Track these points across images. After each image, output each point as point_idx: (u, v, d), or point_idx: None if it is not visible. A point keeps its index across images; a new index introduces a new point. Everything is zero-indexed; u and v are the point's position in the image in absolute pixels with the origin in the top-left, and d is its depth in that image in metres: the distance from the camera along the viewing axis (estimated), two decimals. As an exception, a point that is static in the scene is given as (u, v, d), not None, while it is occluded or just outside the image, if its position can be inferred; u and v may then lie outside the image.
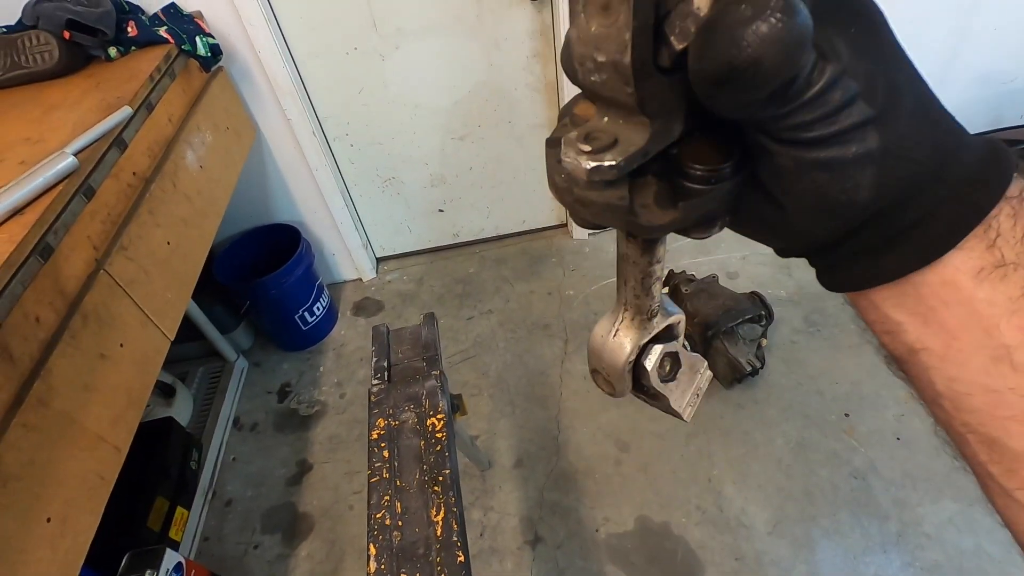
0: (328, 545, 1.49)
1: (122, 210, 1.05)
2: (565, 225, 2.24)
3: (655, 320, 0.28)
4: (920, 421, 1.48)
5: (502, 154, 2.01)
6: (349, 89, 1.78)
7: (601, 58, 0.18)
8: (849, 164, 0.18)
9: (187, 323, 1.72)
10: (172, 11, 1.40)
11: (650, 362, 0.28)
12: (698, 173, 0.19)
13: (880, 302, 0.22)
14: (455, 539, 0.66)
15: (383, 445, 0.78)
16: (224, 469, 1.69)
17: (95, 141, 0.99)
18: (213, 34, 1.44)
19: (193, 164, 1.29)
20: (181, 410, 1.72)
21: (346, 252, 2.11)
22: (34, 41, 1.21)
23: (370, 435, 0.80)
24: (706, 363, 0.31)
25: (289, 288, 1.81)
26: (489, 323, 1.95)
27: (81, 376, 0.86)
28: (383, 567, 0.65)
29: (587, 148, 0.19)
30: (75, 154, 0.93)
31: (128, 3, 1.39)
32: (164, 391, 1.72)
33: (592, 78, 0.18)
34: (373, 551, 0.67)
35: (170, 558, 1.25)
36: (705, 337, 1.57)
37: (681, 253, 2.00)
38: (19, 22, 1.28)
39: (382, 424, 0.80)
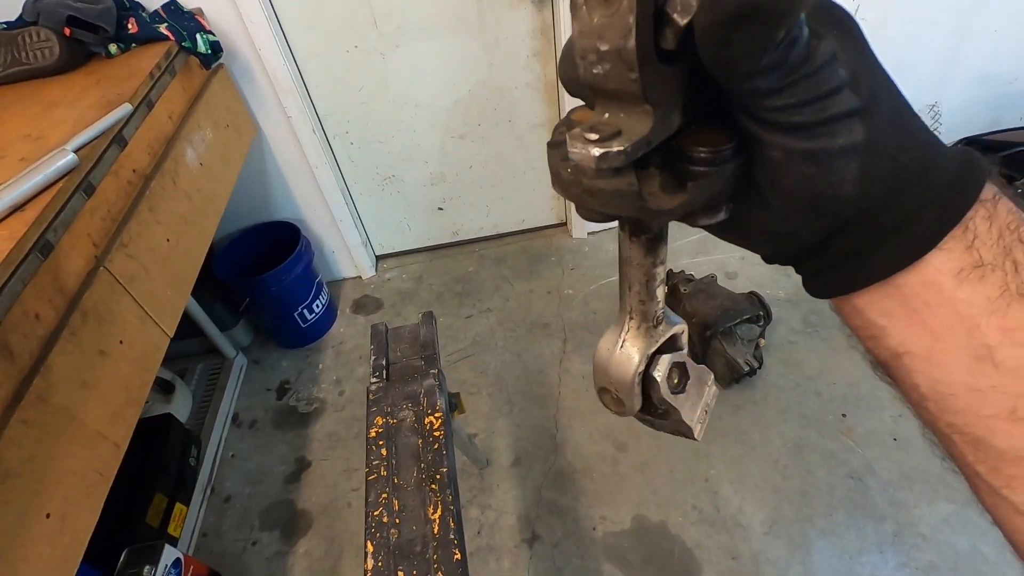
0: (326, 542, 1.49)
1: (122, 207, 1.06)
2: (564, 224, 2.24)
3: (660, 328, 0.27)
4: (916, 422, 1.49)
5: (502, 153, 2.01)
6: (349, 87, 1.79)
7: (604, 47, 0.18)
8: (835, 155, 0.19)
9: (187, 320, 1.73)
10: (173, 8, 1.40)
11: (659, 373, 0.27)
12: (702, 155, 0.20)
13: (864, 307, 0.23)
14: (452, 537, 0.67)
15: (381, 443, 0.78)
16: (223, 466, 1.70)
17: (95, 138, 0.99)
18: (213, 31, 1.45)
19: (193, 161, 1.29)
20: (180, 407, 1.73)
21: (346, 250, 2.11)
22: (34, 37, 1.22)
23: (368, 433, 0.80)
24: (713, 376, 0.31)
25: (289, 285, 1.81)
26: (488, 322, 1.96)
27: (80, 373, 0.87)
28: (380, 564, 0.65)
29: (594, 137, 0.19)
30: (75, 151, 0.93)
31: (129, 0, 1.39)
32: (163, 388, 1.72)
33: (595, 70, 0.19)
34: (371, 548, 0.67)
35: (169, 554, 1.25)
36: (703, 337, 1.58)
37: (680, 253, 2.00)
38: (19, 18, 1.28)
39: (380, 422, 0.81)
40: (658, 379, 0.27)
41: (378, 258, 2.27)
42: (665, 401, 0.27)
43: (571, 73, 0.21)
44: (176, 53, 1.34)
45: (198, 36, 1.37)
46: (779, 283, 1.88)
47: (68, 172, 0.92)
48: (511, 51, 1.77)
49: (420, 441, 0.78)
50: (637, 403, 0.27)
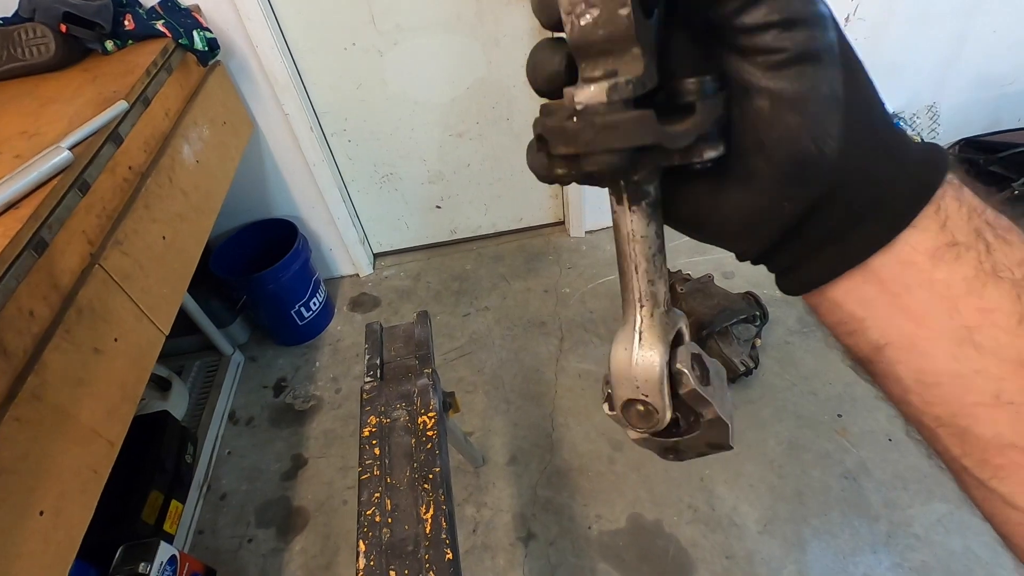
0: (322, 540, 1.49)
1: (117, 205, 1.05)
2: (562, 223, 2.24)
3: (670, 314, 0.25)
4: (912, 423, 1.49)
5: (500, 151, 2.01)
6: (347, 85, 1.78)
7: None
8: (820, 103, 0.19)
9: (183, 317, 1.73)
10: (169, 5, 1.40)
11: (683, 364, 0.24)
12: (690, 86, 0.20)
13: (842, 298, 0.23)
14: (444, 536, 0.67)
15: (374, 443, 0.78)
16: (219, 463, 1.70)
17: (91, 135, 0.99)
18: (211, 28, 1.44)
19: (189, 159, 1.29)
20: (177, 404, 1.73)
21: (343, 247, 2.11)
22: (30, 34, 1.21)
23: (361, 432, 0.80)
24: (724, 370, 0.28)
25: (286, 283, 1.81)
26: (485, 320, 1.96)
27: (75, 370, 0.87)
28: (372, 563, 0.65)
29: (598, 74, 0.20)
30: (70, 148, 0.93)
31: (126, -4, 1.39)
32: (160, 385, 1.72)
33: (583, 20, 0.19)
34: (363, 547, 0.67)
35: (164, 551, 1.26)
36: (700, 337, 1.58)
37: (678, 252, 2.00)
38: (15, 14, 1.28)
39: (374, 422, 0.81)
40: (685, 370, 0.24)
41: (376, 256, 2.27)
42: (698, 396, 0.24)
43: (545, 67, 0.21)
44: (173, 50, 1.33)
45: (195, 33, 1.37)
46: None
47: (63, 169, 0.91)
48: (510, 49, 1.76)
49: (413, 441, 0.78)
50: (669, 407, 0.24)
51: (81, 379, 0.88)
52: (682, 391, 0.24)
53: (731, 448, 0.26)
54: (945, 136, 2.08)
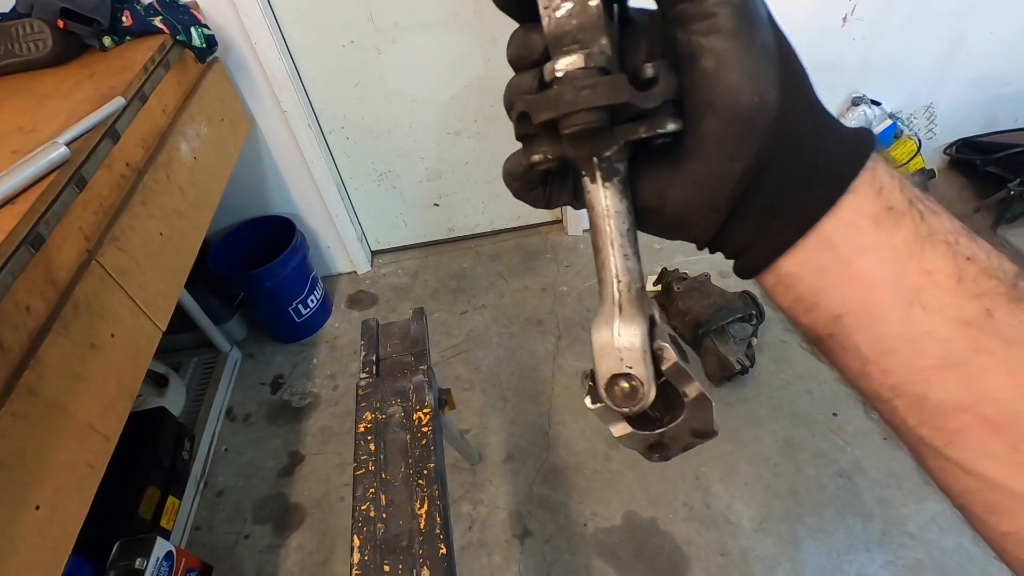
0: (319, 536, 1.50)
1: (114, 201, 1.06)
2: (560, 221, 2.25)
3: (645, 291, 0.26)
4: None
5: (498, 149, 2.01)
6: (345, 82, 1.78)
7: None
8: (756, 58, 0.21)
9: (181, 313, 1.73)
10: (167, 1, 1.40)
11: (664, 340, 0.25)
12: (650, 67, 0.23)
13: (799, 269, 0.23)
14: (438, 532, 0.67)
15: (369, 438, 0.79)
16: (216, 459, 1.70)
17: (88, 131, 0.99)
18: (209, 25, 1.44)
19: (187, 155, 1.29)
20: (174, 400, 1.73)
21: (341, 245, 2.11)
22: (28, 29, 1.21)
23: (357, 428, 0.81)
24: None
25: (283, 280, 1.81)
26: (483, 318, 1.96)
27: (71, 366, 0.87)
28: (366, 558, 0.66)
29: (573, 47, 0.22)
30: (67, 144, 0.93)
31: (123, -8, 1.39)
32: (157, 381, 1.73)
33: (559, 12, 0.22)
34: (357, 543, 0.68)
35: (161, 547, 1.26)
36: (696, 335, 1.58)
37: (675, 251, 2.01)
38: (13, 10, 1.28)
39: (369, 417, 0.81)
40: (666, 344, 0.24)
41: (374, 253, 2.27)
42: (680, 370, 0.24)
43: (521, 51, 0.25)
44: (171, 47, 1.33)
45: (193, 29, 1.37)
46: (773, 282, 1.88)
47: (60, 165, 0.92)
48: (508, 47, 1.76)
49: (408, 437, 0.78)
50: (653, 382, 0.24)
51: (77, 375, 0.88)
52: (664, 367, 0.25)
53: (716, 434, 0.26)
54: (942, 136, 2.08)
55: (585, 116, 0.22)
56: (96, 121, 1.01)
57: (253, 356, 1.98)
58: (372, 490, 0.72)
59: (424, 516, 0.69)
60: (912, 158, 1.95)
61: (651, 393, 0.24)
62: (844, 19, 1.77)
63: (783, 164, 0.22)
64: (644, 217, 0.26)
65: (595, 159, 0.24)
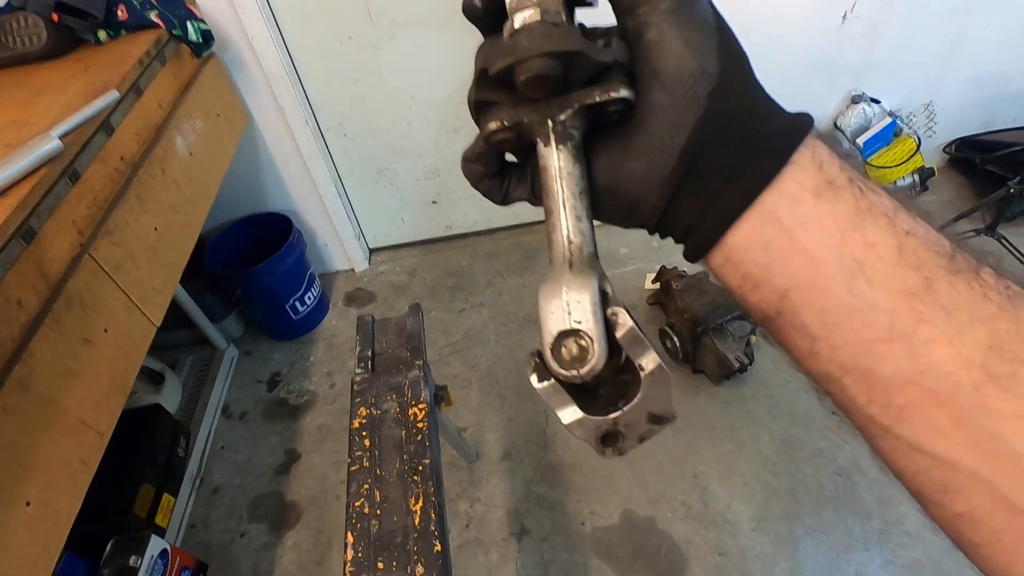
0: (315, 534, 1.49)
1: (108, 195, 1.05)
2: (559, 219, 2.24)
3: (598, 258, 0.25)
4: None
5: (496, 147, 2.00)
6: (343, 79, 1.77)
7: None
8: (697, 28, 0.23)
9: (177, 311, 1.72)
10: (164, -5, 1.39)
11: (618, 306, 0.23)
12: (602, 40, 0.24)
13: (745, 244, 0.24)
14: (433, 528, 0.66)
15: (364, 434, 0.78)
16: (212, 457, 1.69)
17: (81, 125, 0.98)
18: (205, 20, 1.43)
19: (183, 150, 1.28)
20: (170, 397, 1.72)
21: (338, 242, 2.11)
22: (22, 23, 1.20)
23: (351, 424, 0.80)
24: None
25: (281, 277, 1.80)
26: (480, 316, 1.95)
27: (63, 360, 0.86)
28: (360, 555, 0.65)
29: (536, 6, 0.24)
30: (60, 137, 0.92)
31: (119, -14, 1.38)
32: (153, 378, 1.72)
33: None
34: (351, 539, 0.67)
35: (155, 544, 1.25)
36: (695, 333, 1.58)
37: (674, 249, 1.99)
38: (7, 3, 1.27)
39: (364, 413, 0.80)
40: (621, 308, 0.23)
41: (371, 251, 2.26)
42: (636, 337, 0.22)
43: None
44: (166, 41, 1.32)
45: (189, 24, 1.36)
46: (772, 281, 1.88)
47: (52, 158, 0.91)
48: (506, 44, 1.75)
49: (404, 432, 0.77)
50: (604, 341, 0.22)
51: (70, 369, 0.87)
52: (620, 333, 0.22)
53: (675, 417, 0.24)
54: (942, 135, 2.08)
55: (540, 62, 0.22)
56: (90, 114, 1.00)
57: (250, 353, 1.97)
58: (366, 486, 0.72)
59: (419, 513, 0.68)
60: (911, 156, 1.95)
61: (602, 355, 0.22)
62: (844, 16, 1.76)
63: (726, 135, 0.23)
64: (600, 200, 0.26)
65: (550, 122, 0.24)
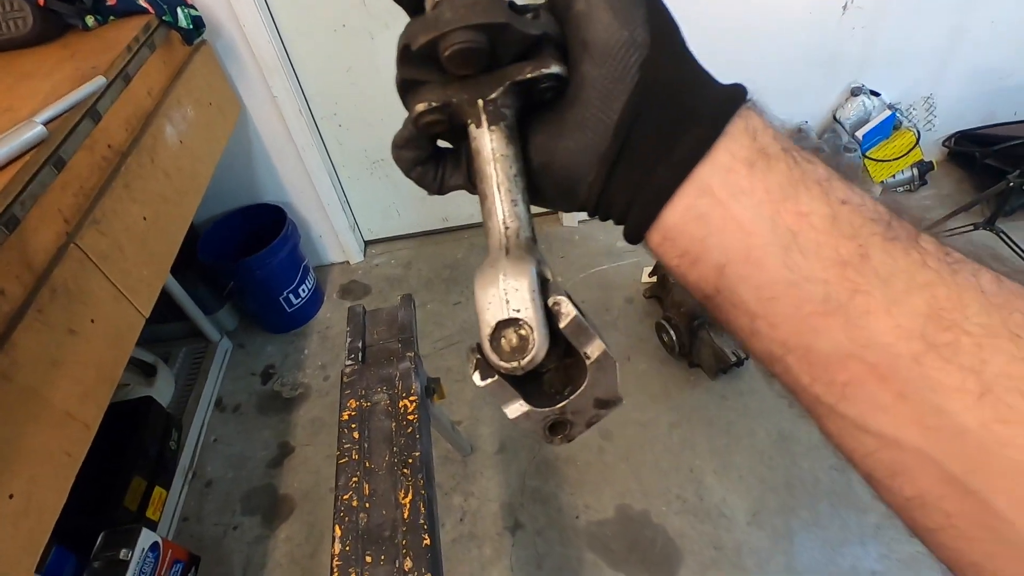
0: (307, 528, 1.48)
1: (96, 183, 1.03)
2: (555, 212, 2.22)
3: (536, 242, 0.24)
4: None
5: (493, 138, 1.98)
6: (337, 68, 1.75)
7: None
8: (625, 2, 0.23)
9: (170, 303, 1.70)
10: (153, -19, 1.36)
11: (560, 294, 0.22)
12: (529, 13, 0.23)
13: (681, 219, 0.23)
14: (422, 522, 0.65)
15: (353, 426, 0.76)
16: (205, 450, 1.68)
17: (66, 111, 0.97)
18: (196, 6, 1.41)
19: (173, 139, 1.26)
20: (162, 390, 1.71)
21: (333, 234, 2.09)
22: (7, 7, 1.18)
23: (340, 416, 0.79)
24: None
25: (274, 269, 1.79)
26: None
27: (48, 351, 0.84)
28: (348, 549, 0.64)
29: None
30: (45, 124, 0.90)
31: (108, -29, 1.35)
32: (145, 370, 1.70)
33: None
34: (339, 532, 0.66)
35: (146, 537, 1.24)
36: (691, 327, 1.57)
37: (671, 243, 1.99)
38: (-7, -12, 1.24)
39: (353, 405, 0.79)
40: (563, 297, 0.22)
41: (366, 243, 2.24)
42: (580, 325, 0.21)
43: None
44: (156, 27, 1.30)
45: (179, 10, 1.34)
46: (769, 274, 1.87)
47: (36, 145, 0.89)
48: (503, 34, 1.73)
49: (393, 425, 0.76)
50: (544, 329, 0.21)
51: (55, 360, 0.86)
52: (563, 324, 0.21)
53: (621, 400, 0.23)
54: (942, 128, 2.06)
55: (465, 34, 0.21)
56: (75, 101, 0.98)
57: (243, 346, 1.96)
58: (355, 479, 0.70)
59: (408, 506, 0.67)
60: (911, 150, 1.93)
61: (543, 343, 0.21)
62: (844, 8, 1.75)
63: (659, 108, 0.23)
64: (537, 180, 0.25)
65: (480, 102, 0.23)
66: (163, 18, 1.31)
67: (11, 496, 0.76)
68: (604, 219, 0.26)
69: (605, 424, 1.57)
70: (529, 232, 0.24)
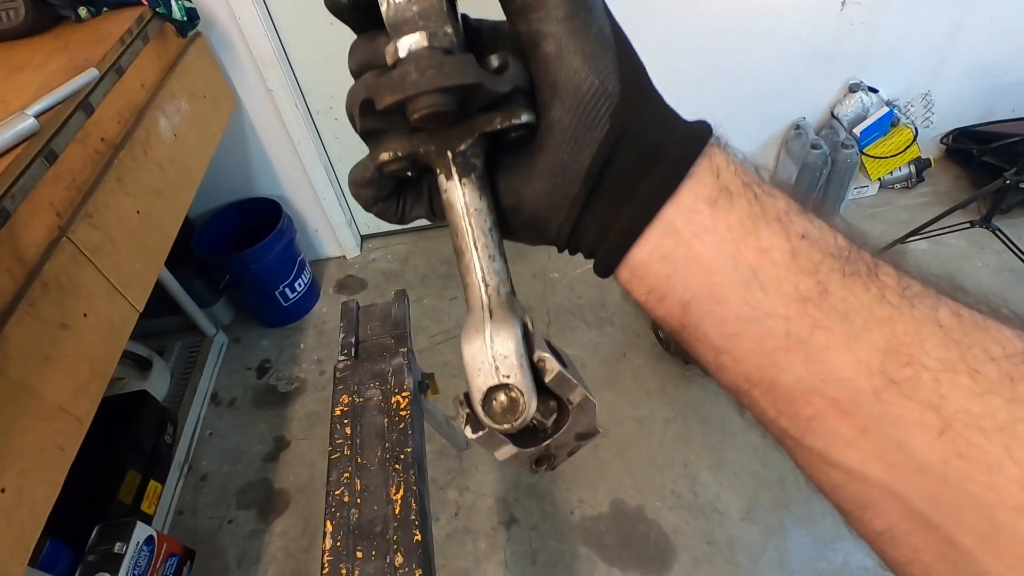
0: (303, 522, 1.48)
1: (88, 176, 1.02)
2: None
3: (516, 298, 0.24)
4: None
5: (490, 133, 1.97)
6: (333, 61, 1.74)
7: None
8: (594, 42, 0.22)
9: (165, 297, 1.70)
10: (147, -28, 1.35)
11: (543, 351, 0.23)
12: (496, 58, 0.23)
13: (648, 258, 0.23)
14: (414, 518, 0.65)
15: (346, 422, 0.76)
16: (200, 444, 1.68)
17: (58, 103, 0.96)
18: (190, -2, 1.40)
19: (167, 132, 1.26)
20: (157, 384, 1.70)
21: (329, 229, 2.08)
22: (-1, -2, 1.17)
23: (333, 411, 0.78)
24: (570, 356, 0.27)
25: (270, 263, 1.78)
26: (472, 304, 1.94)
27: (40, 345, 0.84)
28: (339, 544, 0.64)
29: (416, 28, 0.22)
30: (36, 116, 0.90)
31: (101, -38, 1.34)
32: (140, 364, 1.70)
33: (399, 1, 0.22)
34: (330, 528, 0.66)
35: (141, 531, 1.24)
36: (687, 323, 1.57)
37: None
38: (-15, -22, 1.23)
39: (346, 400, 0.79)
40: (546, 355, 0.23)
41: (363, 238, 2.24)
42: (564, 379, 0.23)
43: (367, 56, 0.24)
44: (149, 19, 1.29)
45: (173, 2, 1.33)
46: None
47: (27, 137, 0.88)
48: (500, 28, 1.72)
49: (386, 420, 0.76)
50: (533, 391, 0.22)
51: (47, 354, 0.85)
52: (548, 379, 0.23)
53: (599, 431, 0.25)
54: (940, 125, 2.06)
55: (433, 98, 0.21)
56: (67, 93, 0.97)
57: (239, 340, 1.96)
58: (347, 474, 0.70)
59: (399, 502, 0.67)
60: (908, 146, 1.93)
61: (532, 404, 0.22)
62: (842, 3, 1.74)
63: (628, 151, 0.23)
64: (506, 220, 0.25)
65: (449, 153, 0.23)
66: (157, 10, 1.30)
67: (2, 490, 0.76)
68: (573, 254, 0.26)
69: (600, 420, 1.57)
70: (509, 286, 0.24)
